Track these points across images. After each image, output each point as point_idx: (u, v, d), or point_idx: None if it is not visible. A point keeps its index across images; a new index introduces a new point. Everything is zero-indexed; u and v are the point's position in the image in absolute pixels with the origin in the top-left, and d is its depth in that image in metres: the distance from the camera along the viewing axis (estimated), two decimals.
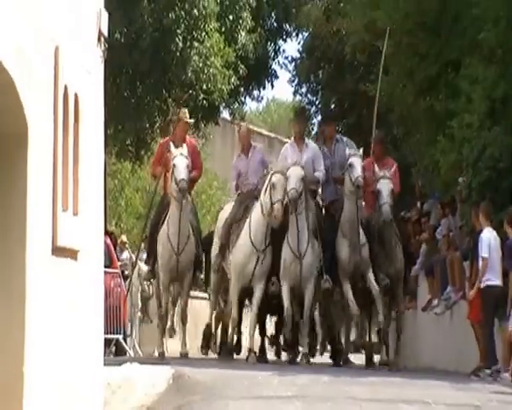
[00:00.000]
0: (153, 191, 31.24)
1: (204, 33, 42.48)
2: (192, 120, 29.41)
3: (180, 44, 41.79)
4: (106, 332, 23.96)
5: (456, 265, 35.39)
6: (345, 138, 28.04)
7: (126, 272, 40.40)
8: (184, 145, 26.01)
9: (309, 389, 23.28)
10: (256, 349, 30.16)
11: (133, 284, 40.92)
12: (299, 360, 29.70)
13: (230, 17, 44.64)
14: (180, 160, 25.42)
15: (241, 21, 45.81)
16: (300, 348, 29.95)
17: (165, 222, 26.67)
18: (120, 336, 36.49)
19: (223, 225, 28.79)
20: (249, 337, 28.23)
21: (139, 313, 41.36)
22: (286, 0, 50.20)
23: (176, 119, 28.53)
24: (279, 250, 27.96)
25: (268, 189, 26.73)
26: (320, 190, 28.70)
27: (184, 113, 28.08)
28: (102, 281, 21.34)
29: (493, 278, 29.71)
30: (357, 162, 23.91)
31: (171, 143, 26.07)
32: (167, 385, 26.45)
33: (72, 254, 17.68)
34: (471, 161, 32.14)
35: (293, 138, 27.61)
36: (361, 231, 26.20)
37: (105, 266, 23.51)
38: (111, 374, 23.97)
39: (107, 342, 29.77)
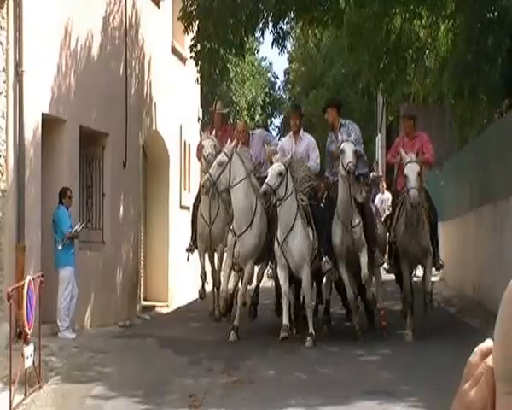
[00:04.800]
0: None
1: (241, 116, 39.07)
2: (226, 110, 16.59)
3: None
4: None
5: None
6: (348, 122, 14.61)
7: None
8: (213, 132, 14.33)
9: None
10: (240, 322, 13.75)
11: None
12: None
13: (252, 109, 38.83)
14: (207, 141, 14.08)
15: (255, 111, 39.86)
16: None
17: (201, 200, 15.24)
18: None
19: None
20: (236, 314, 13.76)
21: None
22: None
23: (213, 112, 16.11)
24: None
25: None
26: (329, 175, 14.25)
27: (219, 106, 16.00)
28: None
29: None
30: (348, 148, 12.77)
31: (201, 132, 15.23)
32: None
33: (187, 209, 18.18)
34: None
35: (291, 132, 14.47)
36: (356, 212, 13.61)
37: None
38: None
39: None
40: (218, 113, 14.78)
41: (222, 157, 12.09)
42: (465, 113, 13.75)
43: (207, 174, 11.99)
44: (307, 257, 12.10)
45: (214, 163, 12.04)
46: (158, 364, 11.11)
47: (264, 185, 11.73)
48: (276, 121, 42.79)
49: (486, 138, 14.49)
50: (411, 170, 12.13)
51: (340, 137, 12.17)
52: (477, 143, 14.76)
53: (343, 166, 11.85)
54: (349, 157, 11.79)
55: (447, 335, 12.22)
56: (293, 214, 12.03)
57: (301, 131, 13.38)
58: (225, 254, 13.87)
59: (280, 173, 11.77)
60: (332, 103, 13.37)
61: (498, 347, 1.92)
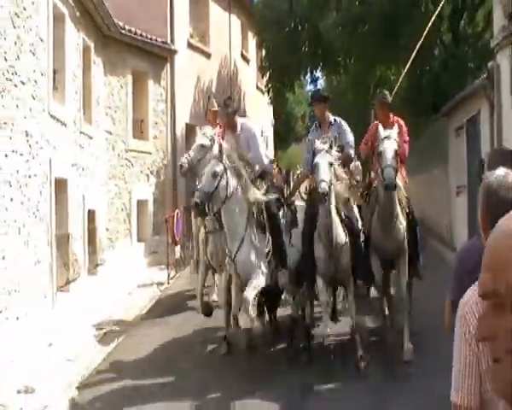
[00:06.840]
0: None
1: (297, 123, 29.06)
2: (217, 108, 7.93)
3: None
4: None
5: None
6: (339, 120, 6.24)
7: None
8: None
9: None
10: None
11: None
12: None
13: (304, 119, 29.38)
14: (200, 137, 6.78)
15: (304, 120, 29.60)
16: None
17: None
18: None
19: None
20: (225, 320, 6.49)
21: None
22: None
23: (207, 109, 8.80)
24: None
25: None
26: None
27: (212, 103, 8.48)
28: None
29: None
30: (321, 162, 5.18)
31: (198, 130, 9.05)
32: None
33: None
34: None
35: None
36: (340, 229, 5.56)
37: None
38: None
39: None
40: (212, 111, 8.59)
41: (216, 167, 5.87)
42: (415, 124, 14.39)
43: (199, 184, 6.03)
44: (257, 268, 5.98)
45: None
46: None
47: (195, 198, 5.70)
48: None
49: (425, 139, 14.85)
50: (387, 146, 5.74)
51: (315, 144, 6.01)
52: (420, 142, 14.99)
53: (316, 184, 5.65)
54: (321, 175, 5.57)
55: None
56: (239, 217, 5.94)
57: (238, 126, 6.67)
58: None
59: (214, 174, 5.76)
60: (318, 98, 6.86)
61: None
